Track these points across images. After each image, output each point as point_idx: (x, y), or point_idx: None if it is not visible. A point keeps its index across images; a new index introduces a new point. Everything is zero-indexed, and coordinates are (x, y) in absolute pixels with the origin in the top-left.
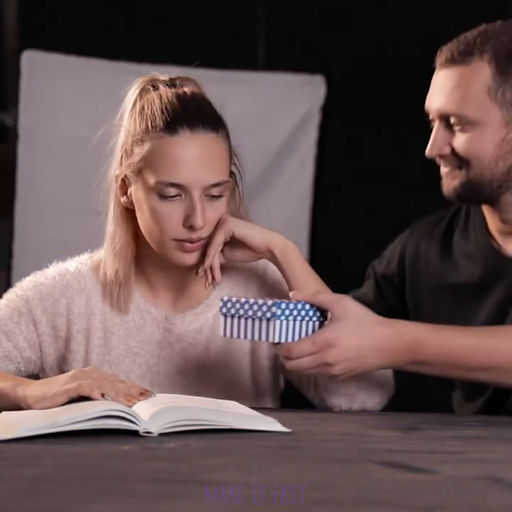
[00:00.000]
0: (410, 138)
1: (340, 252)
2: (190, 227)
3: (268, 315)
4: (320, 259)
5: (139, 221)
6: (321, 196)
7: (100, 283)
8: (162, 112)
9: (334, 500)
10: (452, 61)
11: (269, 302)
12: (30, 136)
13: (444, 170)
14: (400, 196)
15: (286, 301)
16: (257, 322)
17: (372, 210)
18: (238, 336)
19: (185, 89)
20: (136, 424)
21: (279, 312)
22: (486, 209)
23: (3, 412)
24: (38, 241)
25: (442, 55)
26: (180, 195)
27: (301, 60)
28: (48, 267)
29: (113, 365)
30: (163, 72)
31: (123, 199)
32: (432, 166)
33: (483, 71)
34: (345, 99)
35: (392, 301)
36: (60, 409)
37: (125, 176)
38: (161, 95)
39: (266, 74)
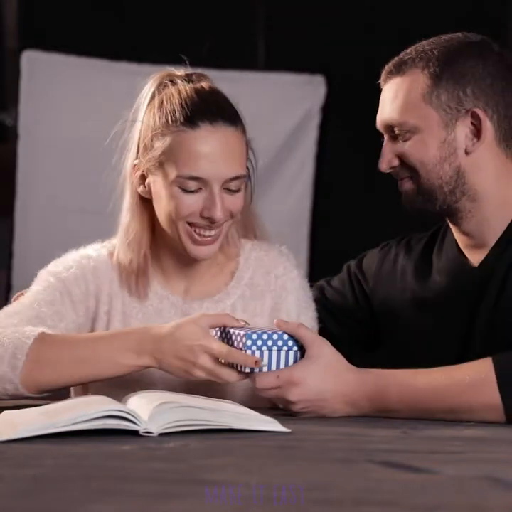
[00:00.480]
0: None
1: (340, 252)
2: (208, 219)
3: (240, 345)
4: (320, 259)
5: (156, 210)
6: (321, 196)
7: (116, 269)
8: (182, 107)
9: (334, 500)
10: (390, 73)
11: (242, 332)
12: (30, 136)
13: (399, 183)
14: (399, 197)
15: (261, 330)
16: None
17: (372, 211)
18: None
19: (203, 84)
20: (136, 424)
21: (249, 342)
22: (450, 224)
23: (4, 412)
24: (38, 241)
25: (383, 71)
26: (200, 188)
27: (301, 60)
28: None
29: None
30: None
31: (140, 189)
32: None
33: (417, 78)
34: (345, 99)
35: (357, 304)
36: (61, 409)
37: (142, 167)
38: (179, 90)
39: (266, 74)
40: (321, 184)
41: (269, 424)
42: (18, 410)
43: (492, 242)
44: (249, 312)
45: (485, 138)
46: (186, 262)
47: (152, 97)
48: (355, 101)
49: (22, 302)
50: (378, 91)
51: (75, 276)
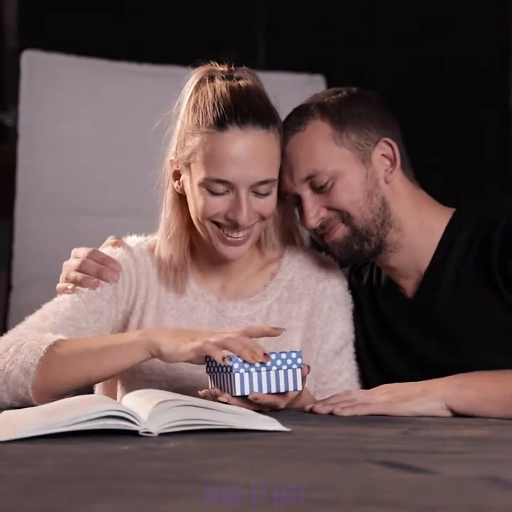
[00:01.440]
0: (410, 138)
1: None
2: (233, 222)
3: (228, 369)
4: None
5: (189, 208)
6: None
7: (156, 265)
8: (214, 107)
9: (334, 500)
10: (291, 131)
11: (232, 355)
12: (30, 136)
13: (326, 236)
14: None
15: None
16: (225, 376)
17: None
18: (215, 387)
19: (241, 82)
20: (136, 424)
21: (236, 365)
22: (379, 262)
23: (4, 412)
24: (38, 241)
25: (284, 131)
26: (227, 191)
27: (301, 60)
28: (50, 268)
29: None
30: (163, 72)
31: (175, 185)
32: (431, 166)
33: (320, 127)
34: None
35: None
36: (60, 409)
37: (178, 165)
38: (215, 89)
39: (266, 74)
40: None
41: (269, 423)
42: (17, 410)
43: (423, 269)
44: (284, 315)
45: (399, 163)
46: (221, 260)
47: (190, 95)
48: None
49: (64, 299)
50: (378, 91)
51: (122, 267)
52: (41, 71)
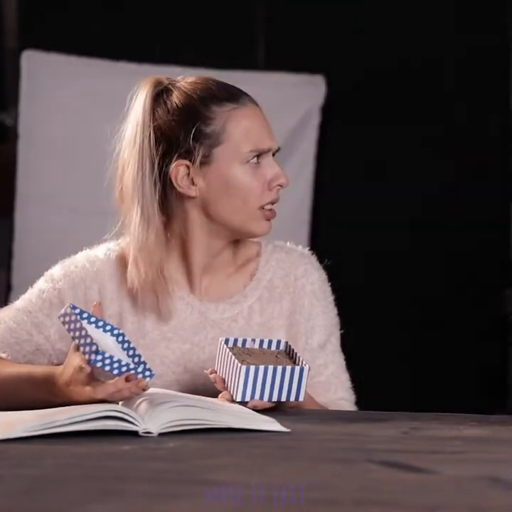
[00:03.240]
0: (410, 138)
1: (340, 252)
2: (276, 188)
3: (237, 370)
4: (319, 259)
5: (218, 205)
6: (321, 196)
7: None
8: (219, 89)
9: (334, 500)
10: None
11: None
12: (30, 136)
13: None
14: (399, 196)
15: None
16: (232, 373)
17: (372, 211)
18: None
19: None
20: (136, 425)
21: (244, 370)
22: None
23: (1, 413)
24: (38, 241)
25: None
26: (258, 162)
27: (301, 60)
28: (52, 266)
29: (148, 350)
30: (163, 72)
31: (193, 189)
32: (431, 166)
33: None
34: (345, 99)
35: None
36: (59, 410)
37: (189, 166)
38: (194, 81)
39: (266, 74)
40: (321, 184)
41: (268, 424)
42: (14, 411)
43: None
44: (266, 315)
45: None
46: (214, 259)
47: (158, 105)
48: (355, 101)
49: (14, 307)
50: (378, 91)
51: (71, 283)
52: (41, 71)
